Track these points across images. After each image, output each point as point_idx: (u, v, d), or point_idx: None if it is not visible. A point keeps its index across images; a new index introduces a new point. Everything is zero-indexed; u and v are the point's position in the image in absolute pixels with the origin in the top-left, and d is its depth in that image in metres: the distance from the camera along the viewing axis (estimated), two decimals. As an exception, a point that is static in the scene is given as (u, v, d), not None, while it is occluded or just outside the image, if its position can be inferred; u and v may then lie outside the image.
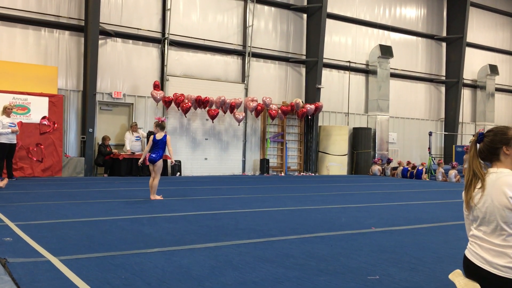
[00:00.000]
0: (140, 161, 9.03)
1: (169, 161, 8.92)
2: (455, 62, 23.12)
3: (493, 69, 24.33)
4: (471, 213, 2.99)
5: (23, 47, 14.28)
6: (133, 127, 15.23)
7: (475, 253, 2.91)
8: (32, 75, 13.80)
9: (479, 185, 2.91)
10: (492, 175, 2.90)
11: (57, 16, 14.69)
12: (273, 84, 18.71)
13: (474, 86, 24.77)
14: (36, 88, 13.71)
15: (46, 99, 13.75)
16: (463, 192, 3.06)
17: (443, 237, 5.61)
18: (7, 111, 12.11)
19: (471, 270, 2.93)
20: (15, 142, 12.25)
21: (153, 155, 8.75)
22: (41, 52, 14.50)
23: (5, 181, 10.04)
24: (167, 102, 15.78)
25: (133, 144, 15.17)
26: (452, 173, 17.22)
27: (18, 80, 13.54)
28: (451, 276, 3.11)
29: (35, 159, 13.48)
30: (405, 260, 4.28)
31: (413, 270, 3.95)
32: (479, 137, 3.00)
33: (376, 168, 19.21)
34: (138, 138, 15.32)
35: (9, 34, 14.08)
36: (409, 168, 18.56)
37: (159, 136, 8.80)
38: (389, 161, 19.64)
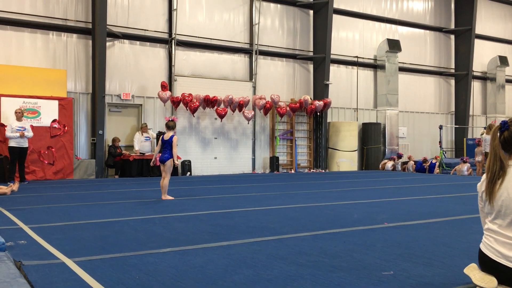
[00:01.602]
0: (151, 161, 9.22)
1: (175, 160, 8.91)
2: (464, 54, 22.93)
3: (503, 61, 24.08)
4: (485, 205, 2.95)
5: (32, 51, 14.39)
6: (143, 128, 15.31)
7: (491, 246, 2.87)
8: (41, 78, 13.91)
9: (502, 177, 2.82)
10: (509, 169, 2.84)
11: (65, 19, 14.79)
12: (281, 82, 18.68)
13: (484, 78, 24.54)
14: (46, 91, 13.82)
15: (56, 102, 13.85)
16: (479, 184, 3.01)
17: (457, 231, 5.57)
18: (17, 115, 12.24)
19: (487, 264, 2.90)
20: (26, 146, 12.36)
21: (163, 155, 8.81)
22: (49, 55, 14.61)
23: (17, 184, 10.13)
24: (175, 102, 15.82)
25: (142, 144, 15.25)
26: (465, 166, 17.09)
27: (28, 84, 13.66)
28: (466, 270, 3.09)
29: (46, 162, 13.59)
30: (419, 255, 4.25)
31: (428, 264, 3.92)
32: (504, 125, 2.86)
33: (390, 164, 19.10)
34: (148, 139, 15.39)
35: (17, 39, 14.19)
36: (422, 162, 18.43)
37: (167, 136, 8.84)
38: (399, 155, 19.54)
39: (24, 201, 8.47)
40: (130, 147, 15.59)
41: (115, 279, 3.49)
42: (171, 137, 8.81)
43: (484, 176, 2.97)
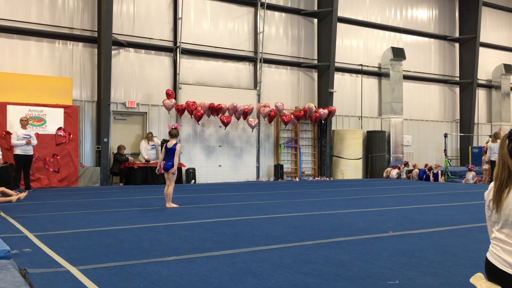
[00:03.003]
0: (156, 169, 9.21)
1: (175, 168, 8.89)
2: (469, 63, 22.91)
3: (508, 69, 24.04)
4: (493, 214, 2.93)
5: (38, 60, 14.49)
6: (149, 138, 15.36)
7: (498, 256, 2.85)
8: (47, 87, 13.99)
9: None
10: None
11: (71, 28, 14.90)
12: (285, 90, 18.71)
13: (489, 86, 24.50)
14: (52, 99, 13.89)
15: (62, 110, 13.92)
16: (487, 193, 2.99)
17: (462, 240, 5.54)
18: (22, 123, 12.30)
19: (494, 273, 2.87)
20: (32, 153, 12.41)
21: (166, 163, 8.82)
22: (55, 64, 14.70)
23: (25, 193, 10.14)
24: (180, 110, 15.87)
25: (148, 152, 15.30)
26: (470, 174, 17.01)
27: (34, 92, 13.74)
28: (472, 280, 3.06)
29: (51, 169, 13.63)
30: (425, 264, 4.23)
31: (433, 274, 3.90)
32: None
33: (394, 172, 19.04)
34: (154, 147, 15.44)
35: (24, 47, 14.30)
36: (426, 170, 18.37)
37: (170, 144, 8.87)
38: (406, 164, 19.48)
39: (29, 209, 8.49)
40: (136, 154, 15.65)
41: (119, 288, 3.49)
42: (174, 144, 8.83)
43: (492, 184, 2.96)
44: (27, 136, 12.18)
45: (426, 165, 19.01)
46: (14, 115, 13.01)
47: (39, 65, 14.47)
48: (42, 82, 14.01)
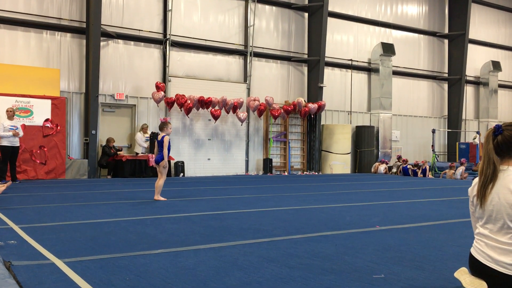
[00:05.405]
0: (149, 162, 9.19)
1: (165, 160, 8.85)
2: (457, 59, 23.07)
3: (496, 66, 24.25)
4: (477, 209, 2.96)
5: (25, 50, 14.31)
6: (144, 129, 15.33)
7: (481, 251, 2.88)
8: (34, 77, 13.83)
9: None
10: (500, 173, 2.85)
11: (59, 18, 14.72)
12: (275, 84, 18.70)
13: (477, 82, 24.70)
14: (39, 90, 13.74)
15: (49, 101, 13.78)
16: (470, 189, 3.02)
17: (448, 235, 5.59)
18: (9, 114, 12.16)
19: (477, 268, 2.90)
20: (18, 145, 12.29)
21: (157, 156, 8.82)
22: (43, 54, 14.53)
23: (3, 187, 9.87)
24: (169, 103, 15.79)
25: (143, 144, 15.31)
26: (460, 170, 17.15)
27: (21, 83, 13.57)
28: (456, 274, 3.09)
29: (38, 161, 13.51)
30: (410, 258, 4.26)
31: (418, 268, 3.93)
32: (497, 130, 2.86)
33: (382, 167, 19.14)
34: (148, 139, 15.42)
35: (11, 37, 14.11)
36: (409, 166, 18.47)
37: (159, 137, 8.86)
38: (398, 158, 19.58)
39: (15, 200, 8.41)
40: (125, 147, 15.59)
41: (105, 280, 3.48)
42: (163, 137, 8.82)
43: (475, 180, 2.98)
44: (14, 128, 12.05)
45: (405, 160, 19.02)
46: (0, 106, 12.85)
47: (26, 56, 14.29)
48: (29, 73, 13.85)
